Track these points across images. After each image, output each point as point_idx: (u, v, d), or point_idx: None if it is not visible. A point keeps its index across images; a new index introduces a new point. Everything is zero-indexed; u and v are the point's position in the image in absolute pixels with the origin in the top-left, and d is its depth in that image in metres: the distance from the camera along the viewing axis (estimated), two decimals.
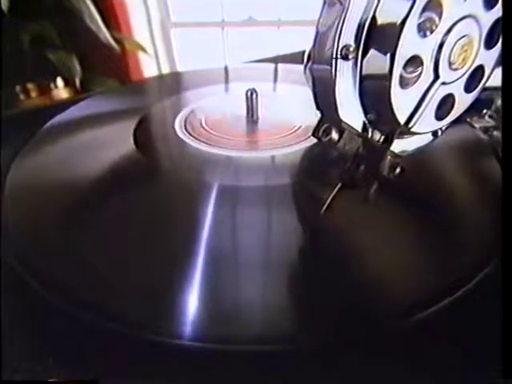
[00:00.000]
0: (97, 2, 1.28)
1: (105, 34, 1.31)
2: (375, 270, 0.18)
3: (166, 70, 1.66)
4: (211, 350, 0.15)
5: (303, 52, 0.20)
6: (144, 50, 1.48)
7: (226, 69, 0.46)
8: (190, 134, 0.27)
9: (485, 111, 0.33)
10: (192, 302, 0.16)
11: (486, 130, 0.32)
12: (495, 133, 0.31)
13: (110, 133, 0.29)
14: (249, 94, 0.28)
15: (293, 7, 1.37)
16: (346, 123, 0.18)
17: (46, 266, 0.18)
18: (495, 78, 0.27)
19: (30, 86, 1.33)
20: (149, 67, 1.59)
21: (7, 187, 0.23)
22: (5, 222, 0.21)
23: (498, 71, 0.24)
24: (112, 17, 1.40)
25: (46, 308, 0.17)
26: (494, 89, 0.29)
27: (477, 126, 0.32)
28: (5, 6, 1.09)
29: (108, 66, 1.43)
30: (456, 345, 0.16)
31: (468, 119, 0.32)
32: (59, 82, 1.38)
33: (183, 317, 0.16)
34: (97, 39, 1.30)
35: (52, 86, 1.37)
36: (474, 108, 0.32)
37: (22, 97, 1.33)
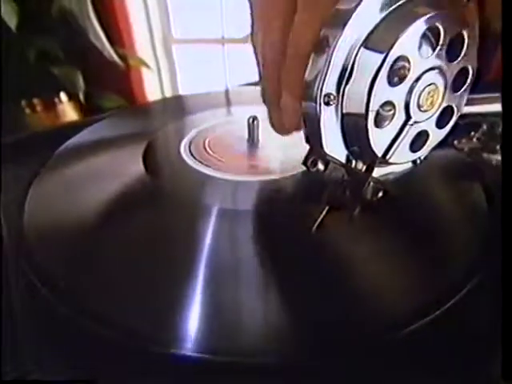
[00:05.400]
0: (101, 18, 1.32)
1: (109, 50, 1.34)
2: (368, 285, 0.20)
3: (167, 84, 1.69)
4: (211, 361, 0.16)
5: None
6: (147, 65, 1.51)
7: (226, 92, 0.48)
8: (195, 158, 0.29)
9: (472, 133, 0.36)
10: (193, 316, 0.18)
11: (473, 151, 0.34)
12: (484, 155, 0.34)
13: (121, 157, 0.31)
14: (250, 121, 0.30)
15: None
16: (331, 156, 0.21)
17: (58, 276, 0.20)
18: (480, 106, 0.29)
19: (35, 100, 1.36)
20: (151, 82, 1.62)
21: (26, 211, 0.25)
22: (27, 243, 0.23)
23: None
24: (116, 33, 1.44)
25: (55, 316, 0.19)
26: (480, 115, 0.32)
27: (465, 147, 0.34)
28: (12, 24, 1.13)
29: (112, 80, 1.46)
30: (456, 346, 0.17)
31: (456, 141, 0.35)
32: (63, 96, 1.40)
33: (184, 329, 0.17)
34: (101, 55, 1.33)
35: (56, 100, 1.40)
36: (462, 131, 0.34)
37: (27, 111, 1.36)
